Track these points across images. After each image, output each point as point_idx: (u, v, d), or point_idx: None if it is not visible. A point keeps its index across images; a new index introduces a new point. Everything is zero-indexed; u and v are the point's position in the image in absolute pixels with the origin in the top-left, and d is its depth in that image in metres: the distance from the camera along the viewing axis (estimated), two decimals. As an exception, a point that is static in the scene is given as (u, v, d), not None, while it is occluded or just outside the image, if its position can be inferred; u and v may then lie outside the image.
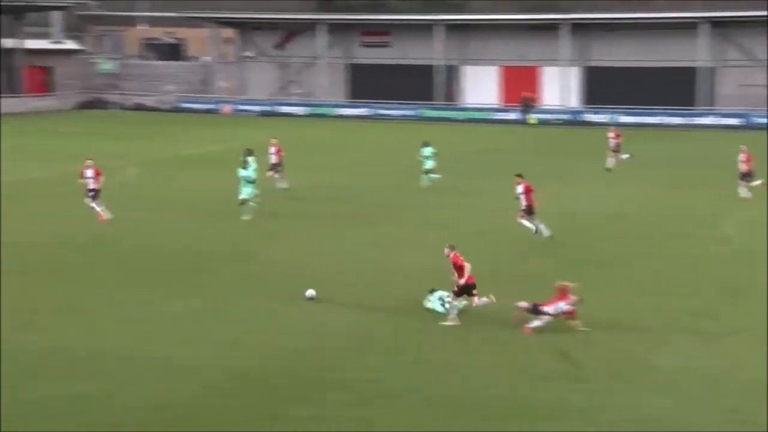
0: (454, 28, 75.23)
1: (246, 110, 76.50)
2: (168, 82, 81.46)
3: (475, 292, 20.29)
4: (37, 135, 60.34)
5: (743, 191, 35.22)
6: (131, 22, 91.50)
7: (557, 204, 35.09)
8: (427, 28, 74.82)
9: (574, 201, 35.84)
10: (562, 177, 41.68)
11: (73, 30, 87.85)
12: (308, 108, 75.96)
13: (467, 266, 20.21)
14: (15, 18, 75.57)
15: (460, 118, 72.00)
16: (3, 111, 71.98)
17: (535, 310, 19.35)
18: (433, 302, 20.98)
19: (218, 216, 32.48)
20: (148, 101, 79.64)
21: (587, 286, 20.58)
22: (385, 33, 78.55)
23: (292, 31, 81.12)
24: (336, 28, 78.51)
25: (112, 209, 32.21)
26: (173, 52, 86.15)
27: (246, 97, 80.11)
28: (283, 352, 18.38)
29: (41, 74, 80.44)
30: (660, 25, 70.04)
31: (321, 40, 77.33)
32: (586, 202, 35.69)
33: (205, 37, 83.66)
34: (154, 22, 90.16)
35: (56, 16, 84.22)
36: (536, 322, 19.39)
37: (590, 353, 18.30)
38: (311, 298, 21.79)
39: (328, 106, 75.77)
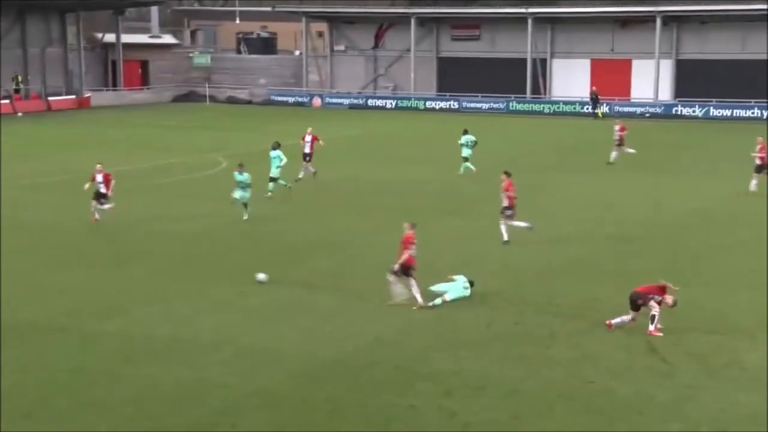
0: (544, 20, 74.84)
1: (336, 103, 77.24)
2: (260, 75, 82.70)
3: (412, 273, 20.77)
4: (134, 127, 61.75)
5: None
6: (227, 16, 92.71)
7: (641, 197, 34.95)
8: (517, 21, 74.57)
9: (659, 195, 35.59)
10: (646, 171, 41.36)
11: (170, 25, 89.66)
12: (397, 101, 76.36)
13: (412, 249, 20.70)
14: (114, 13, 77.46)
15: (549, 111, 71.68)
16: (102, 104, 74.07)
17: (635, 305, 19.20)
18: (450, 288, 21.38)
19: (310, 207, 33.05)
20: (241, 94, 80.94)
21: (677, 280, 20.30)
22: (475, 26, 78.49)
23: (383, 24, 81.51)
24: (426, 21, 78.74)
25: (204, 201, 32.95)
26: (266, 46, 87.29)
27: (336, 90, 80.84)
28: (369, 342, 18.62)
29: (138, 68, 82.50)
30: (755, 17, 68.66)
31: (411, 34, 77.59)
32: (672, 196, 35.39)
33: (297, 31, 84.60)
34: (248, 16, 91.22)
35: (154, 12, 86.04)
36: (618, 319, 19.36)
37: (677, 348, 18.21)
38: (262, 282, 22.38)
39: (417, 99, 76.07)
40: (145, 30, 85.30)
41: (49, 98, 71.04)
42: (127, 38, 79.41)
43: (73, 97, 73.39)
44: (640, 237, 28.47)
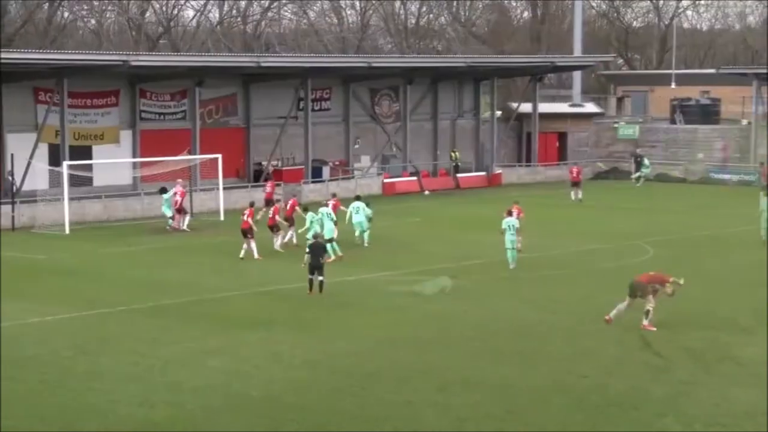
0: None
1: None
2: (697, 149, 77.95)
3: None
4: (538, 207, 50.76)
5: None
6: (661, 81, 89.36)
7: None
8: None
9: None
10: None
11: (592, 92, 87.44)
12: None
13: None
14: (532, 80, 75.74)
15: None
16: (514, 180, 71.21)
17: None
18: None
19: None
20: (674, 171, 76.31)
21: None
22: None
23: None
24: None
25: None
26: (705, 113, 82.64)
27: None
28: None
29: (554, 141, 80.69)
30: None
31: None
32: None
33: (744, 95, 78.73)
34: (686, 80, 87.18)
35: (576, 77, 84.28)
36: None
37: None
38: None
39: None
40: (564, 98, 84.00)
41: (458, 175, 68.29)
42: (544, 107, 77.89)
43: (483, 173, 70.38)
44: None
